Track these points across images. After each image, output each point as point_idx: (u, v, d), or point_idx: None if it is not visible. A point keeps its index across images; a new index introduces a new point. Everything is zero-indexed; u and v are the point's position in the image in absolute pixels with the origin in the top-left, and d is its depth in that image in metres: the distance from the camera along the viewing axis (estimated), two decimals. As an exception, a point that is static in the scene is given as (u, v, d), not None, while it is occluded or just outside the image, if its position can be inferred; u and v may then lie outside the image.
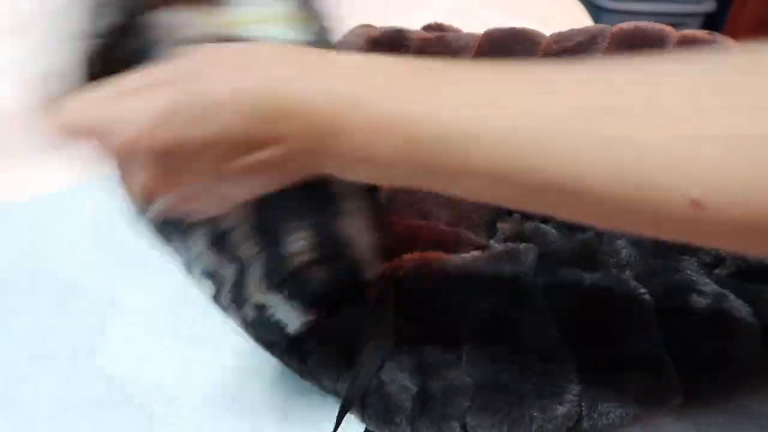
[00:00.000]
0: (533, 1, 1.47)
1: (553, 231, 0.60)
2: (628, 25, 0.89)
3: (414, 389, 0.49)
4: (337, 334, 0.51)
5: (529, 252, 0.56)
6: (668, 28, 0.87)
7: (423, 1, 1.38)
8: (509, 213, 0.62)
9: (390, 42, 0.85)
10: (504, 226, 0.60)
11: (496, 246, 0.58)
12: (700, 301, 0.51)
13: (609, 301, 0.53)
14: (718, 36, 0.87)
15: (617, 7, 1.99)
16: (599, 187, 0.31)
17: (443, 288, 0.54)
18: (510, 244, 0.58)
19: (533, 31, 0.91)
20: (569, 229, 0.60)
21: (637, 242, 0.57)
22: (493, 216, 0.61)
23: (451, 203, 0.61)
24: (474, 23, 1.11)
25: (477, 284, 0.54)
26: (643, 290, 0.53)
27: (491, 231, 0.60)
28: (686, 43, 0.84)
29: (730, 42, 0.86)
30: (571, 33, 0.89)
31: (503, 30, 0.90)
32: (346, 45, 0.90)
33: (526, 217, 0.61)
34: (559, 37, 0.89)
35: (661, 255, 0.55)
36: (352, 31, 0.96)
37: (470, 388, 0.48)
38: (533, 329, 0.51)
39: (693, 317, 0.51)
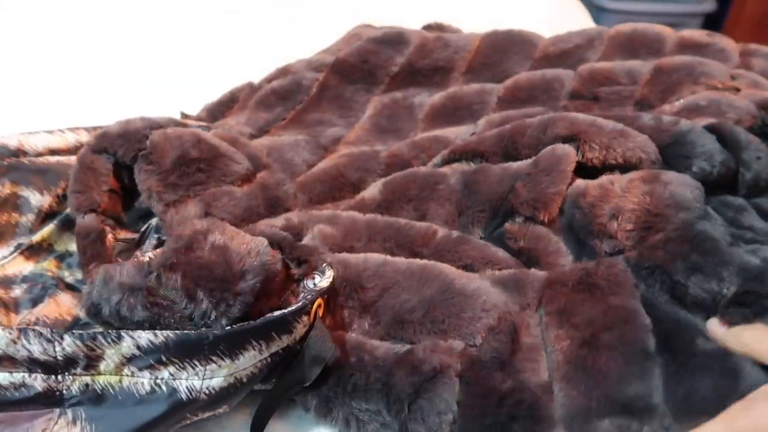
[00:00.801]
0: (534, 1, 1.47)
1: (563, 246, 0.58)
2: (625, 27, 0.89)
3: (395, 426, 0.49)
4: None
5: (535, 282, 0.54)
6: (666, 30, 0.88)
7: (424, 1, 1.39)
8: (512, 214, 0.60)
9: (391, 42, 0.86)
10: (512, 229, 0.59)
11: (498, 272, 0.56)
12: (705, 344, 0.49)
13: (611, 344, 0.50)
14: (717, 37, 0.88)
15: (617, 7, 2.00)
16: None
17: None
18: (516, 272, 0.55)
19: (531, 33, 0.91)
20: (578, 244, 0.58)
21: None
22: (492, 213, 0.60)
23: (449, 200, 0.61)
24: (474, 23, 1.11)
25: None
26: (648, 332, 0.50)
27: (489, 228, 0.61)
28: (685, 45, 0.84)
29: (730, 42, 0.87)
30: (569, 35, 0.90)
31: (501, 32, 0.90)
32: (346, 44, 0.91)
33: (532, 219, 0.60)
34: (556, 39, 0.89)
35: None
36: (352, 31, 0.96)
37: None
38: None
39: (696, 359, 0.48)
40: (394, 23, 1.01)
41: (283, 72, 0.86)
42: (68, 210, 0.60)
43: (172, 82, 1.04)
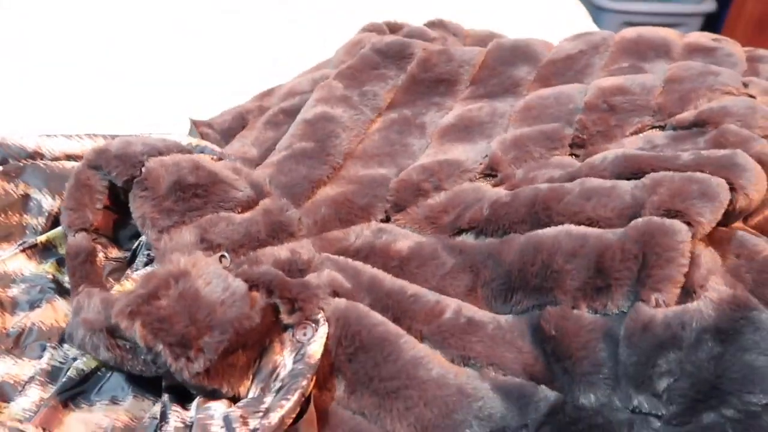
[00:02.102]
0: (534, 1, 1.45)
1: None
2: (630, 33, 0.86)
3: None
4: None
5: (541, 402, 0.46)
6: (671, 36, 0.85)
7: (424, 0, 1.37)
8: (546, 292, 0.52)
9: (395, 54, 0.84)
10: (549, 314, 0.51)
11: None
12: None
13: None
14: (723, 41, 0.86)
15: (617, 7, 1.96)
16: None
17: None
18: (522, 384, 0.47)
19: (536, 43, 0.88)
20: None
21: None
22: (514, 287, 0.53)
23: (472, 270, 0.55)
24: (474, 22, 1.09)
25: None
26: None
27: (515, 305, 0.53)
28: (692, 50, 0.82)
29: (736, 47, 0.85)
30: (574, 43, 0.87)
31: (506, 44, 0.88)
32: (348, 54, 0.89)
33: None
34: (559, 49, 0.87)
35: None
36: (354, 39, 0.94)
37: None
38: None
39: None
40: (396, 20, 0.99)
41: (290, 93, 0.83)
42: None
43: (172, 82, 1.01)
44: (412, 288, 0.53)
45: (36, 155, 0.59)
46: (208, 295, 0.44)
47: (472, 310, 0.52)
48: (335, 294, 0.51)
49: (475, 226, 0.59)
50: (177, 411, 0.45)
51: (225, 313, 0.43)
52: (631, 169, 0.58)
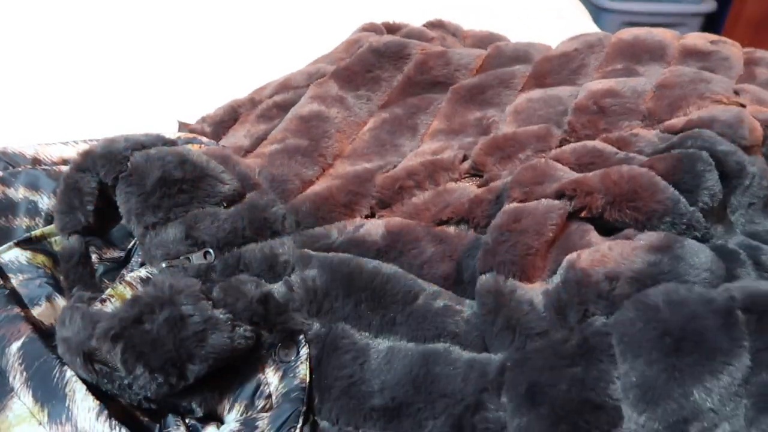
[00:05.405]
0: (534, 1, 1.44)
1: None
2: (626, 34, 0.86)
3: None
4: None
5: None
6: (668, 38, 0.84)
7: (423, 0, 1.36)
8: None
9: (392, 54, 0.83)
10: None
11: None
12: None
13: None
14: (720, 44, 0.85)
15: (617, 7, 1.95)
16: None
17: None
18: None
19: (535, 49, 0.88)
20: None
21: None
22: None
23: (451, 257, 0.56)
24: (474, 21, 1.09)
25: None
26: None
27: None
28: (688, 53, 0.81)
29: (734, 49, 0.84)
30: (569, 42, 0.87)
31: (506, 51, 0.87)
32: (346, 52, 0.88)
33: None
34: (556, 47, 0.87)
35: None
36: (352, 37, 0.94)
37: None
38: None
39: None
40: (395, 19, 0.99)
41: (284, 86, 0.82)
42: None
43: (172, 83, 1.01)
44: (387, 270, 0.54)
45: (35, 162, 0.60)
46: (191, 323, 0.45)
47: (447, 296, 0.53)
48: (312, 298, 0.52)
49: (453, 217, 0.59)
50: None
51: (207, 341, 0.45)
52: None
